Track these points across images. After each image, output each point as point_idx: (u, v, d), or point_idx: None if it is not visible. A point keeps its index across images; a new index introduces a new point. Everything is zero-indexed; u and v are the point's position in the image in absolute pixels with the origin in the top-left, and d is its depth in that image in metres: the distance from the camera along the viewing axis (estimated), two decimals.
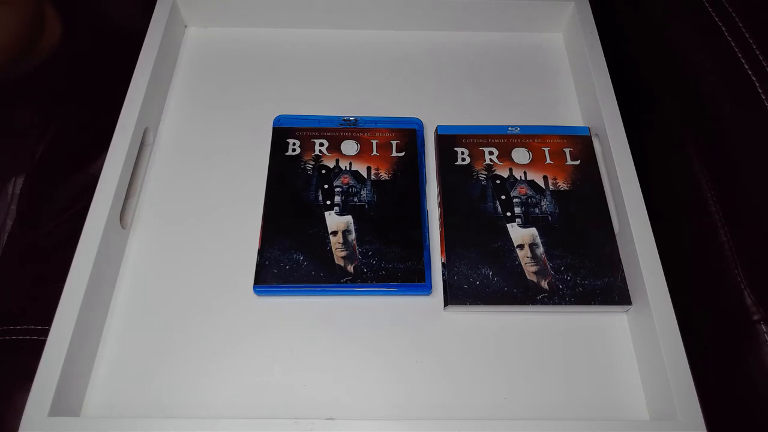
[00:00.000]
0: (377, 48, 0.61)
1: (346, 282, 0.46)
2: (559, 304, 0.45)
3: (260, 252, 0.47)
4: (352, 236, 0.48)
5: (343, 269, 0.46)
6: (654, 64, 0.59)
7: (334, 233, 0.48)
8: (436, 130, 0.54)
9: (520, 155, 0.52)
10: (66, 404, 0.40)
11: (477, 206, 0.49)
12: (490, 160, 0.52)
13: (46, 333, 0.47)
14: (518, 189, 0.50)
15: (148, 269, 0.48)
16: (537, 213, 0.49)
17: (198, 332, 0.45)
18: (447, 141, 0.53)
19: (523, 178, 0.51)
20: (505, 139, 0.53)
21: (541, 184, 0.51)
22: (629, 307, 0.45)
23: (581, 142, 0.53)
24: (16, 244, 0.57)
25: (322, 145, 0.52)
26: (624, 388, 0.44)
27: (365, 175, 0.51)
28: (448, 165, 0.52)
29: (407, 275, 0.46)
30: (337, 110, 0.57)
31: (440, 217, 0.49)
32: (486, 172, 0.51)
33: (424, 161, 0.52)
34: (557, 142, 0.53)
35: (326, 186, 0.50)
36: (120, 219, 0.47)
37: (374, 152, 0.52)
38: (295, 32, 0.62)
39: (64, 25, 0.68)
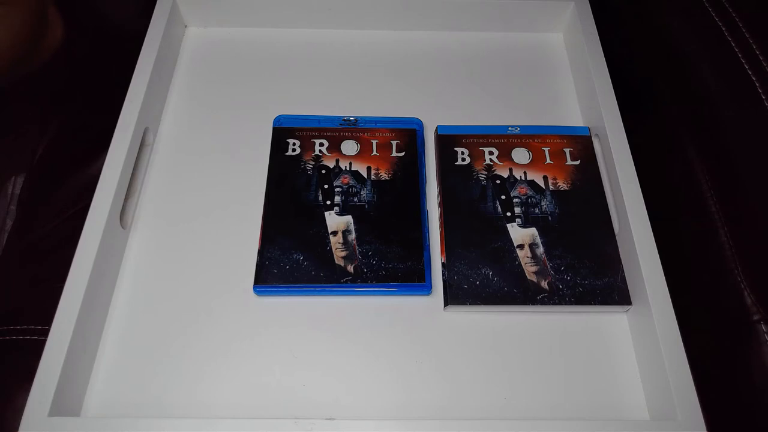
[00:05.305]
0: (377, 48, 0.61)
1: (346, 282, 0.46)
2: (559, 304, 0.45)
3: (260, 252, 0.47)
4: (352, 236, 0.48)
5: (343, 269, 0.46)
6: (654, 64, 0.59)
7: (334, 233, 0.48)
8: (436, 130, 0.54)
9: (520, 155, 0.52)
10: (66, 404, 0.40)
11: (477, 206, 0.49)
12: (490, 160, 0.52)
13: (46, 333, 0.47)
14: (518, 189, 0.50)
15: (148, 269, 0.48)
16: (537, 213, 0.49)
17: (198, 332, 0.45)
18: (447, 141, 0.53)
19: (523, 178, 0.51)
20: (505, 139, 0.53)
21: (541, 184, 0.51)
22: (629, 307, 0.45)
23: (581, 142, 0.53)
24: (16, 244, 0.57)
25: (322, 145, 0.52)
26: (624, 388, 0.44)
27: (365, 175, 0.51)
28: (448, 165, 0.52)
29: (407, 275, 0.46)
30: (337, 110, 0.57)
31: (440, 217, 0.49)
32: (486, 172, 0.51)
33: (424, 161, 0.52)
34: (557, 142, 0.53)
35: (326, 186, 0.50)
36: (120, 219, 0.47)
37: (374, 152, 0.52)
38: (295, 32, 0.62)
39: (65, 25, 0.68)
